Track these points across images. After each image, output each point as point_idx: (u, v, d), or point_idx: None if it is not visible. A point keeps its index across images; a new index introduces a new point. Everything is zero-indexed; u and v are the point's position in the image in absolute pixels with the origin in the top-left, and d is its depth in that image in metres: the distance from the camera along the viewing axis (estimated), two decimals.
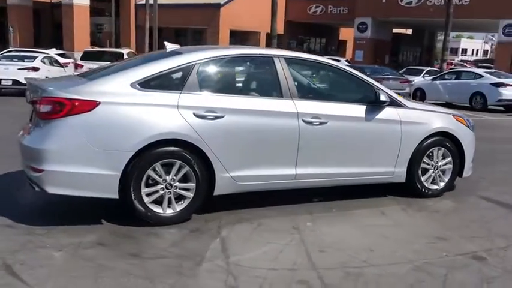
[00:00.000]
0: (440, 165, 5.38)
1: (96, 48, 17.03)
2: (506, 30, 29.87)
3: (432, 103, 13.10)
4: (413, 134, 5.12)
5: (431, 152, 5.30)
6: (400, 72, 22.13)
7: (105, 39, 35.36)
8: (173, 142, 4.11)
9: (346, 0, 35.04)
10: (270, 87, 4.68)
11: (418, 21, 34.99)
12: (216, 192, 4.37)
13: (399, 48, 40.41)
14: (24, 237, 3.83)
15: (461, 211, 5.11)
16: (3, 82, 15.03)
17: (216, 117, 4.23)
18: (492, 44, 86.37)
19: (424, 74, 22.99)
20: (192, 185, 4.22)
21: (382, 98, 4.87)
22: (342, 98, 4.99)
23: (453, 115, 5.57)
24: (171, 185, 4.16)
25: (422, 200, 5.27)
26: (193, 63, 4.33)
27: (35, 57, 16.47)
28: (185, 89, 4.23)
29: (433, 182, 5.39)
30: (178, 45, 5.05)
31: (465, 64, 46.65)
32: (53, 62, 17.37)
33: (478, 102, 16.77)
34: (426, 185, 5.33)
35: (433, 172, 5.36)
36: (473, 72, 18.29)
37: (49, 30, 38.33)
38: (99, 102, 3.93)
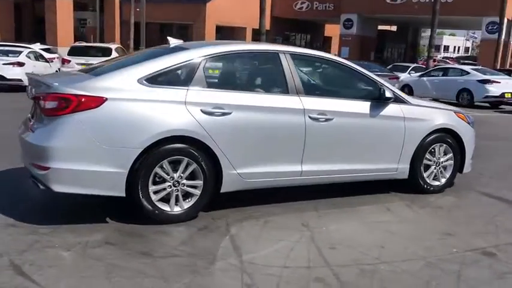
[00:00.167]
0: (442, 162, 5.41)
1: (83, 43, 16.74)
2: (490, 28, 30.30)
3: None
4: (416, 131, 5.14)
5: (433, 149, 5.33)
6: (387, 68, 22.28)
7: (89, 34, 34.83)
8: (181, 139, 4.04)
9: None
10: (276, 84, 4.64)
11: (403, 18, 35.29)
12: (223, 190, 4.32)
13: (384, 45, 40.72)
14: (29, 236, 3.74)
15: (464, 207, 5.14)
16: None
17: (224, 114, 4.18)
18: (473, 42, 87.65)
19: (410, 70, 23.16)
20: (199, 182, 4.17)
21: (388, 94, 4.87)
22: (347, 94, 4.98)
23: (454, 111, 5.61)
24: (178, 182, 4.10)
25: (424, 196, 5.29)
26: (200, 58, 4.26)
27: (19, 52, 16.10)
28: (192, 85, 4.17)
29: (435, 178, 5.42)
30: (182, 41, 4.97)
31: (448, 61, 47.25)
32: (38, 57, 17.01)
33: (464, 98, 16.96)
34: (428, 181, 5.36)
35: (435, 168, 5.39)
36: (460, 69, 18.49)
37: (30, 25, 37.62)
38: (106, 99, 3.84)
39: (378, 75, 17.96)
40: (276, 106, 4.42)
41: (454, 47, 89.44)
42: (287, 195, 4.88)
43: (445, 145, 5.38)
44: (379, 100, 4.92)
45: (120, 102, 3.89)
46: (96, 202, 4.45)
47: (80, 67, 14.10)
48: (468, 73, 17.46)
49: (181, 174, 4.10)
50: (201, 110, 4.10)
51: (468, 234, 4.24)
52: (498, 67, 24.84)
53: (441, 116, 5.37)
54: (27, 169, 4.29)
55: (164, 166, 4.03)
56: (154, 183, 4.03)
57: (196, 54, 4.28)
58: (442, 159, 5.41)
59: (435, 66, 24.55)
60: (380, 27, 39.42)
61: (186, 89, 4.12)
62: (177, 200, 4.13)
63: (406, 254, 3.73)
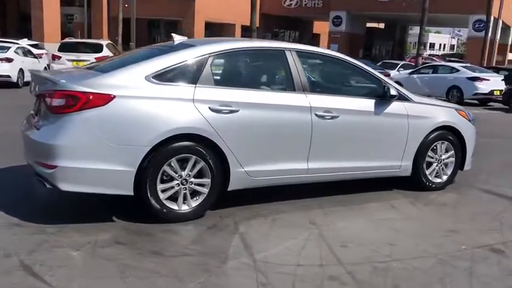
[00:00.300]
0: (444, 159, 5.45)
1: (73, 39, 16.52)
2: (477, 26, 30.59)
3: None
4: (419, 128, 5.16)
5: (435, 146, 5.36)
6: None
7: (77, 30, 34.39)
8: (189, 137, 4.01)
9: None
10: (283, 81, 4.63)
11: (391, 15, 35.48)
12: (230, 188, 4.29)
13: (372, 42, 40.88)
14: (36, 236, 3.68)
15: (466, 204, 5.18)
16: None
17: (231, 112, 4.15)
18: (459, 39, 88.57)
19: (399, 67, 23.32)
20: (207, 180, 4.13)
21: (393, 92, 4.89)
22: (352, 92, 4.99)
23: (455, 109, 5.65)
24: (186, 180, 4.06)
25: (426, 193, 5.33)
26: (207, 55, 4.22)
27: (7, 48, 15.84)
28: (200, 82, 4.13)
29: (437, 175, 5.46)
30: (186, 37, 4.92)
31: (434, 58, 47.66)
32: (26, 52, 16.76)
33: (454, 95, 17.12)
34: (430, 179, 5.40)
35: (437, 166, 5.42)
36: (450, 67, 18.67)
37: (16, 21, 37.04)
38: (114, 96, 3.79)
39: None
40: (283, 104, 4.40)
41: (440, 44, 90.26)
42: (291, 193, 4.87)
43: (446, 142, 5.42)
44: (383, 98, 4.93)
45: (128, 99, 3.84)
46: (101, 201, 4.40)
47: (70, 63, 13.95)
48: (458, 70, 17.64)
49: (189, 173, 4.06)
50: (209, 108, 4.07)
51: (474, 231, 4.27)
52: (485, 65, 25.12)
53: (443, 114, 5.41)
54: (30, 167, 4.23)
55: (172, 164, 3.99)
56: (162, 181, 3.99)
57: (203, 51, 4.24)
58: (443, 157, 5.44)
59: (423, 63, 24.74)
60: (368, 25, 39.59)
61: (194, 87, 4.08)
62: (184, 199, 4.10)
63: (416, 251, 3.75)
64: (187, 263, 3.37)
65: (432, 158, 5.37)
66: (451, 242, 4.00)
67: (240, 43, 4.59)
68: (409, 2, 31.69)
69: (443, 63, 22.31)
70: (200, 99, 4.05)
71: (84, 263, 3.31)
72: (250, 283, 3.12)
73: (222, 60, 4.36)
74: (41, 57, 17.71)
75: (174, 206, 4.06)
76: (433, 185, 5.42)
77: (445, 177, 5.50)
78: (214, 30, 34.72)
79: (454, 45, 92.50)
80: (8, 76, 14.68)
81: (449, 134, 5.41)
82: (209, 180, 4.14)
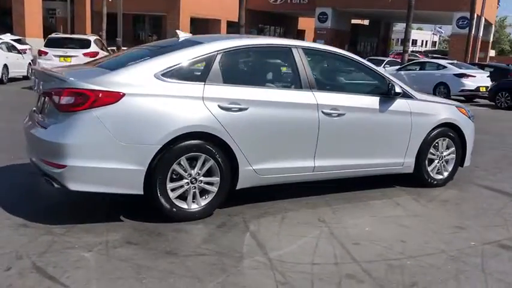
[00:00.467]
0: (445, 156, 5.51)
1: (60, 35, 16.20)
2: (460, 23, 31.02)
3: None
4: (422, 125, 5.20)
5: (437, 143, 5.41)
6: None
7: (59, 25, 33.89)
8: (199, 135, 3.97)
9: None
10: (290, 79, 4.61)
11: (376, 12, 35.76)
12: (239, 186, 4.27)
13: (357, 39, 41.16)
14: (45, 237, 3.61)
15: (468, 200, 5.24)
16: None
17: (240, 109, 4.12)
18: (440, 36, 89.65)
19: (385, 64, 23.49)
20: (216, 179, 4.10)
21: (398, 89, 4.91)
22: (358, 89, 5.00)
23: (456, 106, 5.71)
24: (195, 179, 4.03)
25: (428, 190, 5.38)
26: (216, 53, 4.18)
27: None
28: (208, 80, 4.09)
29: (438, 172, 5.51)
30: (191, 34, 4.86)
31: (417, 55, 48.11)
32: (10, 48, 16.44)
33: (441, 92, 17.31)
34: (432, 175, 5.45)
35: (438, 162, 5.48)
36: (437, 63, 18.87)
37: None
38: (124, 94, 3.72)
39: None
40: (291, 101, 4.39)
41: (422, 41, 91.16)
42: (297, 191, 4.87)
43: (447, 139, 5.48)
44: (387, 95, 4.95)
45: (138, 97, 3.78)
46: (104, 200, 4.34)
47: (57, 59, 13.70)
48: (445, 67, 17.85)
49: (199, 171, 4.03)
50: (219, 106, 4.03)
51: (479, 228, 4.32)
52: (468, 61, 25.47)
53: (445, 111, 5.46)
54: (33, 165, 4.15)
55: (182, 163, 3.95)
56: (172, 180, 3.95)
57: (212, 49, 4.19)
58: (445, 153, 5.50)
59: (408, 60, 24.94)
60: (353, 21, 39.80)
61: (203, 84, 4.04)
62: (194, 197, 4.06)
63: (428, 248, 3.77)
64: (203, 262, 3.34)
65: (434, 154, 5.42)
66: (459, 238, 4.04)
67: (248, 40, 4.56)
68: None
69: (430, 60, 22.48)
70: (210, 97, 4.01)
71: (99, 264, 3.25)
72: (268, 282, 3.11)
73: (230, 58, 4.31)
74: (25, 53, 17.40)
75: (183, 205, 4.02)
76: (435, 182, 5.47)
77: (446, 174, 5.56)
78: (200, 25, 34.52)
79: (435, 41, 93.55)
80: None
81: (450, 130, 5.46)
82: (218, 178, 4.11)
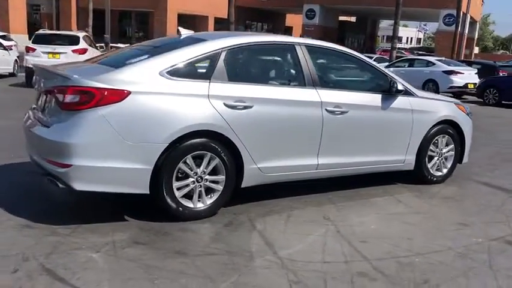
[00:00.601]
0: (444, 152, 5.54)
1: (48, 31, 15.95)
2: (447, 20, 31.31)
3: None
4: (422, 122, 5.23)
5: (437, 140, 5.44)
6: None
7: (44, 21, 33.43)
8: (205, 133, 3.93)
9: None
10: (294, 76, 4.60)
11: (363, 9, 35.91)
12: (244, 185, 4.24)
13: (344, 35, 41.27)
14: (50, 237, 3.55)
15: (468, 197, 5.29)
16: None
17: (245, 107, 4.09)
18: (425, 33, 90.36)
19: (373, 61, 23.58)
20: (221, 177, 4.07)
21: (400, 87, 4.93)
22: (360, 86, 5.00)
23: (455, 103, 5.75)
24: (201, 178, 3.99)
25: (429, 186, 5.42)
26: (220, 50, 4.14)
27: None
28: (213, 77, 4.05)
29: (437, 168, 5.55)
30: (192, 31, 4.81)
31: (403, 52, 48.44)
32: None
33: (430, 89, 17.41)
34: (432, 172, 5.49)
35: (438, 159, 5.51)
36: (426, 60, 19.01)
37: None
38: (130, 92, 3.67)
39: None
40: (295, 99, 4.37)
41: (407, 38, 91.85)
42: (299, 189, 4.86)
43: (447, 136, 5.51)
44: (389, 92, 4.96)
45: (143, 95, 3.73)
46: (107, 200, 4.27)
47: (46, 56, 13.49)
48: (434, 64, 17.99)
49: (204, 170, 3.99)
50: (224, 104, 4.00)
51: (482, 224, 4.35)
52: (455, 58, 25.71)
53: (444, 108, 5.49)
54: (34, 164, 4.09)
55: (188, 161, 3.91)
56: (177, 179, 3.91)
57: (216, 46, 4.15)
58: (444, 150, 5.54)
59: (399, 57, 25.08)
60: (340, 18, 39.93)
61: (208, 82, 4.00)
62: (199, 196, 4.03)
63: (434, 245, 3.79)
64: (214, 262, 3.31)
65: (433, 151, 5.45)
66: (464, 235, 4.07)
67: (251, 37, 4.52)
68: None
69: (419, 57, 22.64)
70: (215, 95, 3.97)
71: (108, 265, 3.20)
72: (282, 282, 3.09)
73: (234, 55, 4.27)
74: (11, 49, 17.11)
75: (189, 204, 3.98)
76: (434, 179, 5.51)
77: (445, 171, 5.61)
78: (187, 22, 34.30)
79: (420, 38, 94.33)
80: None
81: (449, 128, 5.50)
82: (224, 177, 4.08)
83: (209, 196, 4.08)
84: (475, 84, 17.13)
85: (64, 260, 3.21)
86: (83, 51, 13.75)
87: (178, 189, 3.91)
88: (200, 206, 4.04)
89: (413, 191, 5.22)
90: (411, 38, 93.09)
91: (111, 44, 20.76)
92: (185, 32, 4.64)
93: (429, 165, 5.44)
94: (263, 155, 4.25)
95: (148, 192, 3.80)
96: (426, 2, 30.61)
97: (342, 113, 4.61)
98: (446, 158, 5.60)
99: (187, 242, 3.64)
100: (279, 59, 4.80)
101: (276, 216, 4.25)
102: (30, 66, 13.26)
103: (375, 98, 4.89)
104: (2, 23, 30.22)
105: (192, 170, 3.94)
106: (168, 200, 3.87)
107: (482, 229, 4.23)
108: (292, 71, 4.63)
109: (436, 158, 5.49)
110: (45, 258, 3.21)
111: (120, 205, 4.26)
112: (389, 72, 5.18)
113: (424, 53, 39.13)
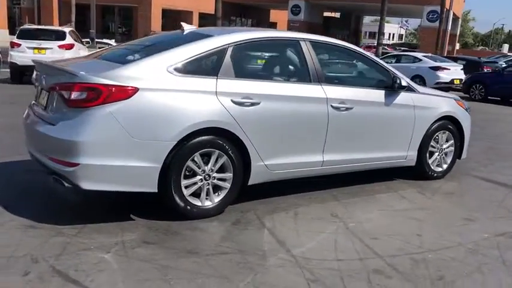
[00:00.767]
0: (444, 148, 5.58)
1: (33, 26, 15.61)
2: (430, 16, 31.60)
3: None
4: (424, 118, 5.24)
5: (437, 136, 5.47)
6: None
7: (24, 15, 32.76)
8: (213, 130, 3.87)
9: None
10: (299, 72, 4.55)
11: (347, 4, 36.03)
12: (251, 182, 4.20)
13: (329, 31, 41.31)
14: (56, 238, 3.46)
15: (470, 192, 5.33)
16: None
17: (253, 104, 4.04)
18: (407, 29, 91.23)
19: None
20: (229, 175, 4.02)
21: (403, 83, 4.93)
22: (364, 82, 4.99)
23: (454, 99, 5.78)
24: (209, 175, 3.93)
25: (430, 182, 5.44)
26: (227, 46, 4.07)
27: None
28: (220, 74, 3.98)
29: (438, 164, 5.58)
30: (195, 27, 4.73)
31: (386, 48, 48.76)
32: None
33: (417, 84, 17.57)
34: (432, 168, 5.52)
35: (438, 155, 5.54)
36: (413, 56, 19.12)
37: None
38: (138, 89, 3.59)
39: None
40: (301, 95, 4.34)
41: (389, 34, 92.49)
42: (304, 185, 4.84)
43: (447, 132, 5.55)
44: (392, 89, 4.96)
45: (151, 92, 3.65)
46: (111, 198, 4.19)
47: (31, 51, 13.20)
48: (420, 60, 18.12)
49: (212, 167, 3.93)
50: (232, 100, 3.94)
51: (486, 219, 4.39)
52: (439, 54, 25.98)
53: (445, 104, 5.52)
54: (36, 163, 3.98)
55: (196, 159, 3.85)
56: (185, 177, 3.84)
57: (223, 42, 4.08)
58: (444, 146, 5.57)
59: (384, 53, 25.21)
60: (325, 14, 40.01)
61: (216, 78, 3.94)
62: (207, 194, 3.97)
63: (444, 241, 3.80)
64: (227, 261, 3.26)
65: (434, 147, 5.48)
66: (471, 230, 4.09)
67: (257, 33, 4.45)
68: None
69: (406, 52, 22.77)
70: (223, 92, 3.91)
71: (120, 265, 3.13)
72: (299, 280, 3.06)
73: (240, 51, 4.21)
74: None
75: (197, 202, 3.92)
76: (435, 174, 5.54)
77: (445, 166, 5.64)
78: (171, 17, 34.00)
79: (402, 34, 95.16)
80: None
81: (449, 123, 5.53)
82: (231, 174, 4.02)
83: (217, 194, 4.03)
84: (461, 80, 17.33)
85: (74, 261, 3.13)
86: (70, 47, 13.50)
87: (186, 187, 3.85)
88: (208, 204, 3.98)
89: (415, 187, 5.24)
90: (393, 34, 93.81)
91: (96, 40, 20.44)
92: (188, 28, 4.55)
93: (430, 161, 5.47)
94: (270, 152, 4.20)
95: (156, 190, 3.73)
96: None
97: (347, 109, 4.59)
98: (446, 154, 5.63)
99: (198, 241, 3.58)
100: (283, 54, 4.75)
101: (283, 213, 4.22)
102: (15, 61, 13.00)
103: (379, 94, 4.89)
104: None
105: (200, 168, 3.88)
106: (177, 198, 3.80)
107: (487, 224, 4.26)
108: (298, 67, 4.59)
109: (436, 154, 5.52)
110: (55, 260, 3.13)
111: (125, 204, 4.18)
112: (392, 68, 5.16)
113: (406, 49, 39.44)
